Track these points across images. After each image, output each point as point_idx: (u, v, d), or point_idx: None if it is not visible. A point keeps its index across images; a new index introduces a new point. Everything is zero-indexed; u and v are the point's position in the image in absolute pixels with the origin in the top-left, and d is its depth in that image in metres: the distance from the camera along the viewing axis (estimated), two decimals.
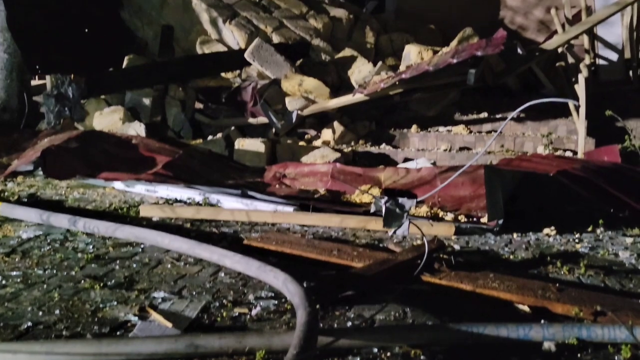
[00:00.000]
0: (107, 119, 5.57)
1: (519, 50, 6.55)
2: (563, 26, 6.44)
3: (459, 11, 8.44)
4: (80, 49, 6.26)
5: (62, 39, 6.19)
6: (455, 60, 5.03)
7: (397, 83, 5.39)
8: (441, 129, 6.11)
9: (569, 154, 5.55)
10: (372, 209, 2.60)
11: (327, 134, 5.86)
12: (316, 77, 6.12)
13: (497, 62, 5.99)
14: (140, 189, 4.22)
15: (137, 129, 5.34)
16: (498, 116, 6.29)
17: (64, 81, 5.39)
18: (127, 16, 6.99)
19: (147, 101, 5.84)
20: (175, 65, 6.08)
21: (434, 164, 5.43)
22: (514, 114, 2.73)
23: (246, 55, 6.06)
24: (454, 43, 6.34)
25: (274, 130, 5.80)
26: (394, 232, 2.54)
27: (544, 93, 6.61)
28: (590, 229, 3.38)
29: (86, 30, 6.44)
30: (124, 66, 6.17)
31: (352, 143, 5.85)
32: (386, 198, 2.55)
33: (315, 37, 6.57)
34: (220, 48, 6.45)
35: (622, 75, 6.46)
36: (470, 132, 6.06)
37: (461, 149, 5.84)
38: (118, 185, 4.34)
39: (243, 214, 3.48)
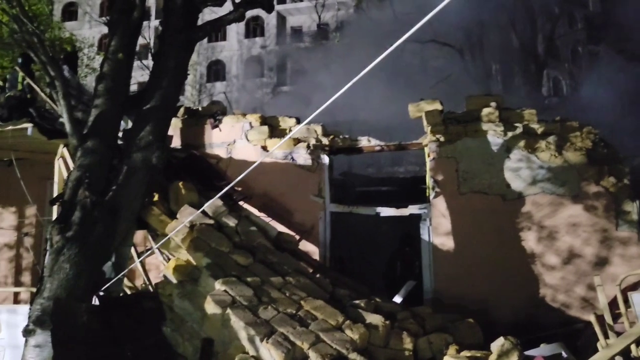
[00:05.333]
0: None
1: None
2: (606, 335, 6.30)
3: (497, 295, 8.47)
4: None
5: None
6: None
7: None
8: None
9: None
10: None
11: None
12: None
13: None
14: None
15: None
16: None
17: None
18: (169, 331, 7.22)
19: None
20: None
21: None
22: None
23: None
24: (493, 357, 6.21)
25: None
26: None
27: None
28: None
29: (129, 353, 6.63)
30: None
31: None
32: None
33: (352, 351, 6.55)
34: None
35: None
36: None
37: None
38: None
39: None
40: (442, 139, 9.12)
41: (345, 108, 12.55)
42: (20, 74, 10.13)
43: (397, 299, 8.84)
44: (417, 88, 15.06)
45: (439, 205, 9.05)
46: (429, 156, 9.22)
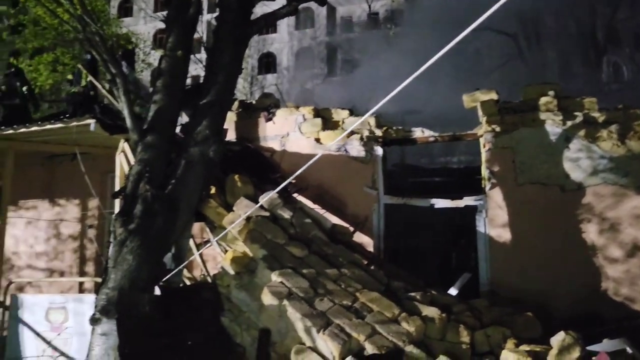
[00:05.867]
0: None
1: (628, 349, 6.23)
2: None
3: (555, 288, 8.28)
4: None
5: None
6: None
7: None
8: None
9: None
10: None
11: None
12: None
13: None
14: None
15: None
16: None
17: None
18: (227, 321, 7.37)
19: None
20: None
21: None
22: None
23: None
24: (554, 352, 6.09)
25: None
26: None
27: None
28: None
29: (189, 342, 6.80)
30: None
31: None
32: None
33: (408, 343, 6.55)
34: (315, 358, 6.54)
35: None
36: None
37: None
38: None
39: None
40: (498, 129, 8.94)
41: (399, 98, 12.45)
42: (84, 71, 10.49)
43: (453, 291, 8.76)
44: (472, 77, 14.79)
45: (495, 196, 8.90)
46: (484, 147, 9.06)
